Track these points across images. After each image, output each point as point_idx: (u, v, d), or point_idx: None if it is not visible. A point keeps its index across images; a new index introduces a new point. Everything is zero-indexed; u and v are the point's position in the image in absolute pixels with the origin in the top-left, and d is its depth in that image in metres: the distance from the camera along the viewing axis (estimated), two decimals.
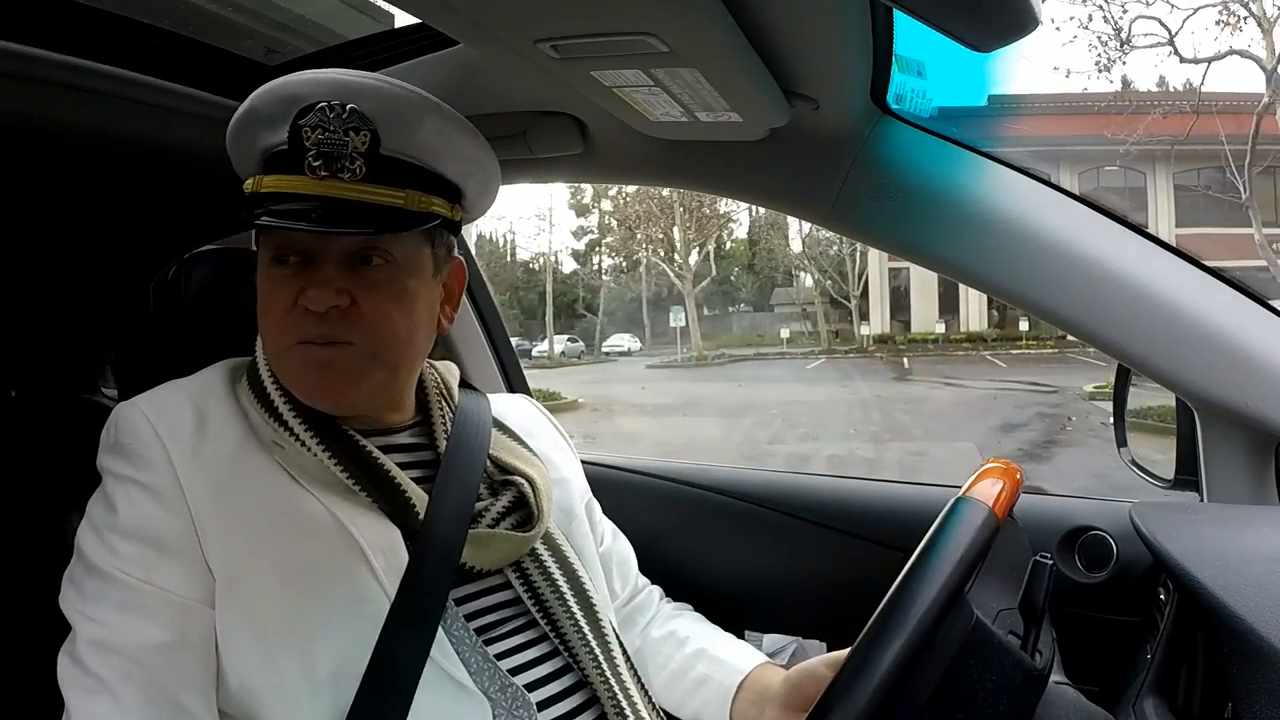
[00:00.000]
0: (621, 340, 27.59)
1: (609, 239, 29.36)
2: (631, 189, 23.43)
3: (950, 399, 13.48)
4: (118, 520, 0.72)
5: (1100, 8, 13.31)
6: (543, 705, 0.79)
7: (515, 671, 0.79)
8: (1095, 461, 7.89)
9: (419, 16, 0.82)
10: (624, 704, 0.83)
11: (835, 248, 25.57)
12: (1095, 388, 12.42)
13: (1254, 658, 0.58)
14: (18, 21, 0.85)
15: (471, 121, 0.83)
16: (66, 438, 0.86)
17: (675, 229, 23.24)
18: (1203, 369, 0.89)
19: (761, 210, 28.11)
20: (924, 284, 23.44)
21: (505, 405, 1.03)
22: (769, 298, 32.52)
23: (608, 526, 1.08)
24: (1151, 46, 13.77)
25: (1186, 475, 1.01)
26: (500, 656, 0.79)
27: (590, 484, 1.05)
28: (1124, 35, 13.46)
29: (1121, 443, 1.15)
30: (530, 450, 0.95)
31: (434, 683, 0.73)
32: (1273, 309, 0.90)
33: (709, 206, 23.46)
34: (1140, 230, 0.95)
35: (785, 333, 26.23)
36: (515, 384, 1.55)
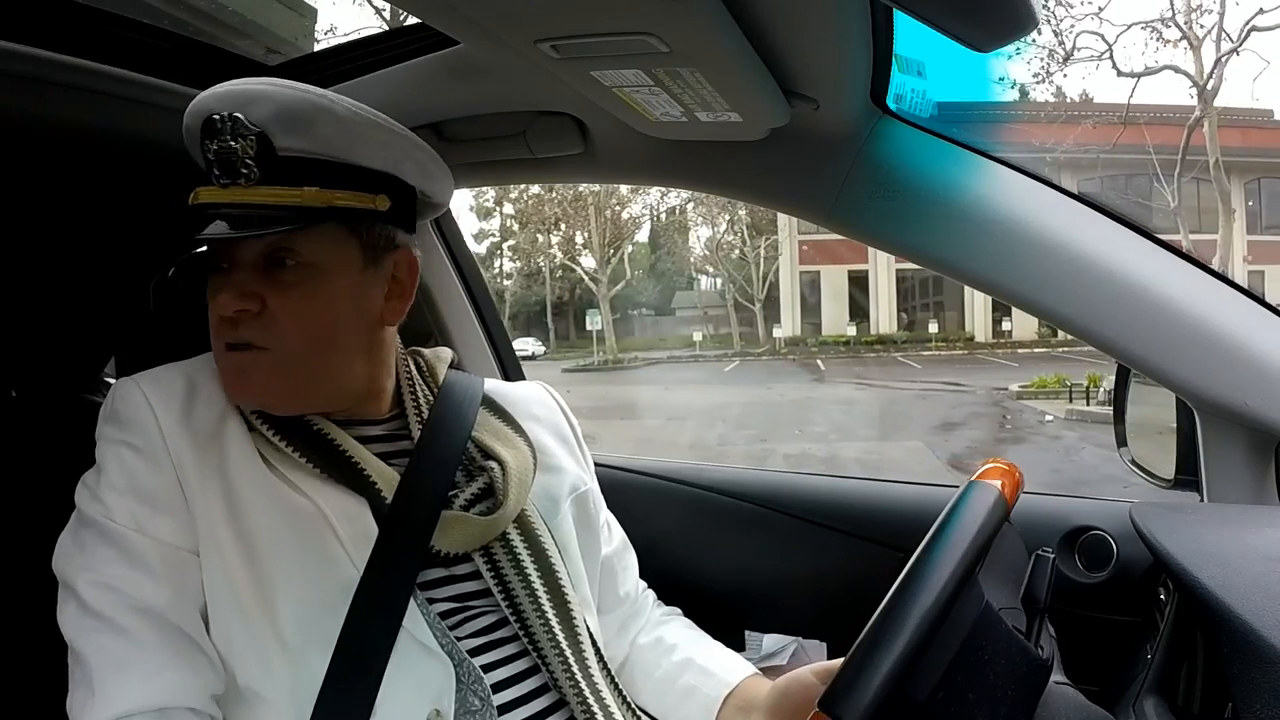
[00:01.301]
0: (526, 344, 27.05)
1: (511, 241, 28.94)
2: (535, 189, 23.25)
3: (879, 399, 13.54)
4: (109, 479, 0.75)
5: (1048, 22, 13.47)
6: (509, 707, 0.79)
7: (484, 670, 0.79)
8: (1046, 458, 8.04)
9: (419, 16, 0.82)
10: (595, 709, 0.82)
11: (737, 252, 25.48)
12: (1021, 387, 12.65)
13: (1254, 658, 0.58)
14: (18, 21, 0.85)
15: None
16: (66, 438, 0.86)
17: (592, 231, 23.00)
18: (1203, 369, 0.89)
19: (663, 214, 27.71)
20: (835, 287, 23.71)
21: (514, 390, 1.03)
22: (670, 302, 32.48)
23: (618, 533, 1.07)
24: (1090, 59, 14.12)
25: (1186, 475, 1.01)
26: (471, 654, 0.80)
27: None
28: (1067, 48, 13.72)
29: (1122, 443, 1.15)
30: (521, 434, 0.94)
31: (400, 648, 0.75)
32: (1272, 308, 0.90)
33: (625, 207, 23.23)
34: (1140, 230, 0.95)
35: (698, 335, 25.95)
36: (510, 370, 1.53)
